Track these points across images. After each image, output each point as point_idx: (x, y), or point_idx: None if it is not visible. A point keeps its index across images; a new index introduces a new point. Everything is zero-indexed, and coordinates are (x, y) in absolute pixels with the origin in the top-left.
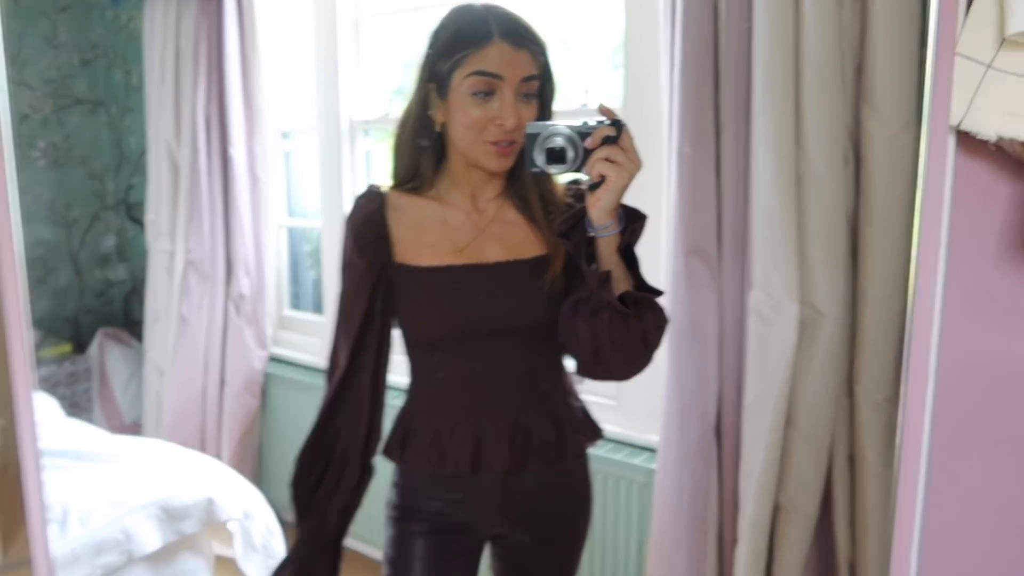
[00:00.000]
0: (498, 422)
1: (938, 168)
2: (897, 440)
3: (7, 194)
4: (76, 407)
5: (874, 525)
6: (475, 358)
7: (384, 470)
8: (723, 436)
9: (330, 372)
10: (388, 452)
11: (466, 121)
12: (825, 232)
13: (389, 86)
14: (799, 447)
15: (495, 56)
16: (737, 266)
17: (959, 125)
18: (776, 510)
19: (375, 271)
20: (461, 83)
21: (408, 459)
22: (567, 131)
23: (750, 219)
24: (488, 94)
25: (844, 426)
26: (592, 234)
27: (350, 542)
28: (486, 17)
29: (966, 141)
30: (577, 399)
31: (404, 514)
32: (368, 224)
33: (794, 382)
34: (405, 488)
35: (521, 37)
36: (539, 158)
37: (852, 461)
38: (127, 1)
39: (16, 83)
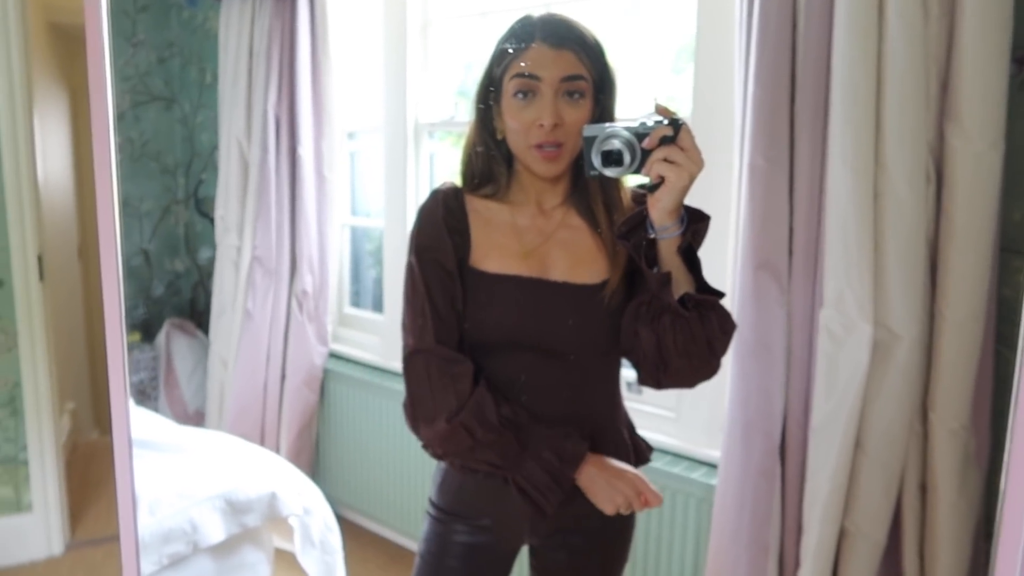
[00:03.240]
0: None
1: None
2: (1002, 484)
3: (112, 206)
4: (143, 394)
5: (945, 557)
6: (526, 370)
7: (422, 469)
8: (787, 456)
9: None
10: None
11: (512, 125)
12: (903, 251)
13: (454, 88)
14: (868, 471)
15: (533, 57)
16: (808, 283)
17: None
18: (842, 535)
19: (454, 261)
20: (507, 87)
21: (450, 461)
22: (624, 133)
23: (823, 235)
24: (528, 95)
25: (916, 453)
26: (653, 236)
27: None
28: (534, 23)
29: None
30: (626, 423)
31: (443, 515)
32: (452, 215)
33: (865, 405)
34: (446, 489)
35: (562, 38)
36: (596, 161)
37: (924, 489)
38: (203, 1)
39: None
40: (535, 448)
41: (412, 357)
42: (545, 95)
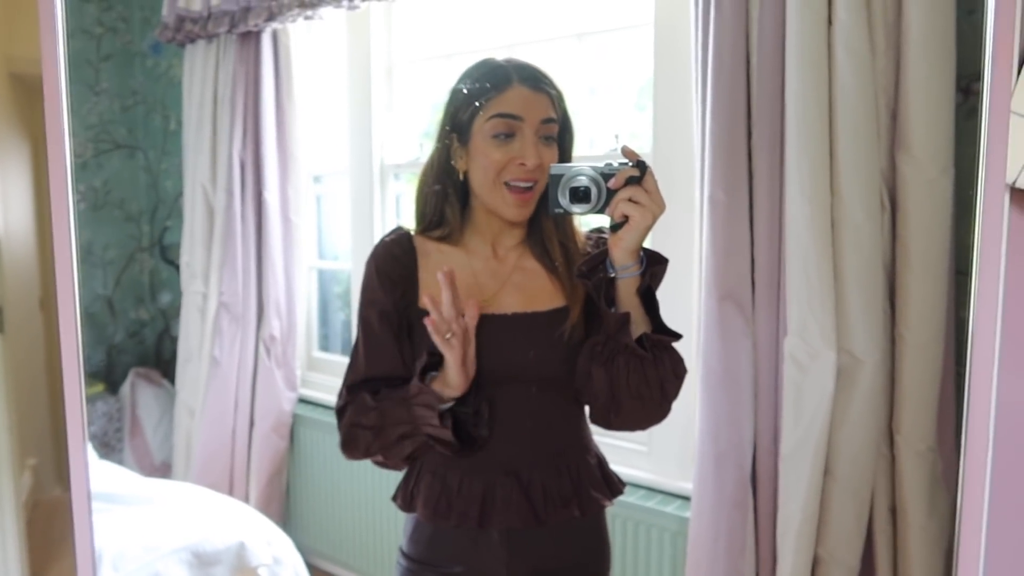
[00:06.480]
0: (508, 476)
1: (994, 225)
2: (958, 502)
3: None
4: (107, 447)
5: None
6: (490, 404)
7: (395, 516)
8: (759, 485)
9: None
10: (398, 501)
11: (486, 164)
12: (862, 278)
13: (420, 130)
14: (839, 498)
15: (515, 99)
16: (772, 313)
17: (1015, 183)
18: (816, 563)
19: (400, 312)
20: (482, 127)
21: (416, 510)
22: (591, 172)
23: (785, 265)
24: (509, 136)
25: (885, 476)
26: (613, 275)
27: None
28: (505, 66)
29: (1020, 198)
30: (596, 455)
31: (414, 564)
32: (395, 262)
33: (832, 431)
34: (416, 539)
35: (539, 81)
36: (563, 199)
37: (894, 512)
38: (167, 50)
39: None
40: (410, 395)
41: (338, 399)
42: (527, 136)
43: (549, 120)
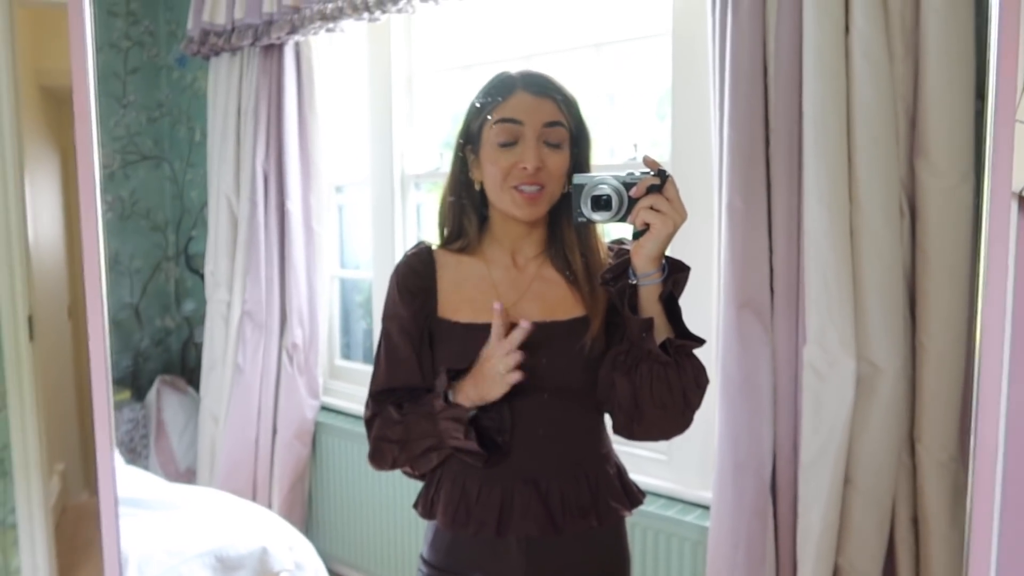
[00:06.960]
0: (527, 485)
1: (1001, 233)
2: (968, 505)
3: (98, 258)
4: (134, 453)
5: None
6: (506, 417)
7: (416, 523)
8: (779, 494)
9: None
10: (419, 508)
11: (494, 171)
12: (881, 286)
13: (440, 140)
14: (859, 507)
15: (516, 104)
16: (791, 320)
17: (1022, 192)
18: (836, 572)
19: (419, 323)
20: (488, 135)
21: (436, 517)
22: (613, 181)
23: (803, 273)
24: (513, 142)
25: (906, 486)
26: (634, 282)
27: None
28: (513, 76)
29: None
30: (615, 465)
31: (434, 571)
32: (415, 275)
33: (852, 439)
34: (437, 546)
35: (543, 87)
36: (585, 207)
37: (916, 522)
38: (192, 62)
39: None
40: (435, 410)
41: (365, 409)
42: (528, 140)
43: (552, 124)
